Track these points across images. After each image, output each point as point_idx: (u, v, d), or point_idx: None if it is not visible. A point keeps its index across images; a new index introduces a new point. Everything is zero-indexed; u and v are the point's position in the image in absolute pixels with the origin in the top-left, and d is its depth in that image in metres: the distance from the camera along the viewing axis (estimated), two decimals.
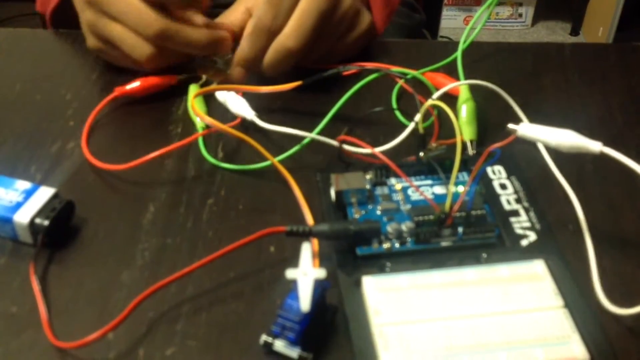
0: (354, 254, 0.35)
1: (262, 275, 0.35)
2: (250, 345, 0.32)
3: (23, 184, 0.37)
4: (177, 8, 0.44)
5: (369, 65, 0.49)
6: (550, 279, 0.33)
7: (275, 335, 0.31)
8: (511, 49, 0.54)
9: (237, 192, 0.40)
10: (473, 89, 0.45)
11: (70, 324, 0.33)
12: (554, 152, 0.36)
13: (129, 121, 0.46)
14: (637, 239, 0.38)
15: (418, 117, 0.40)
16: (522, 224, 0.37)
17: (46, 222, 0.35)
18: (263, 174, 0.41)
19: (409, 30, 0.73)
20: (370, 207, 0.38)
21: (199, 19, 0.45)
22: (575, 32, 1.84)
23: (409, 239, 0.36)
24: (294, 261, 0.32)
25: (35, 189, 0.37)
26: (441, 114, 0.41)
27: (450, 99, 0.44)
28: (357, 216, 0.37)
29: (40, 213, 0.36)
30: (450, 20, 1.84)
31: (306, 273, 0.31)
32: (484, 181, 0.39)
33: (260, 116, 0.43)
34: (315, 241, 0.34)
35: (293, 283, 0.31)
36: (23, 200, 0.36)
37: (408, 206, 0.37)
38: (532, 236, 0.36)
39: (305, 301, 0.30)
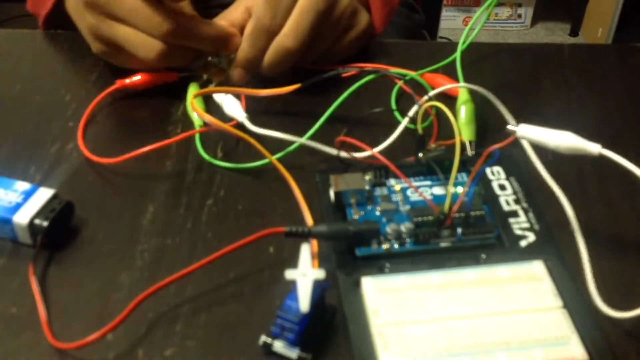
0: (353, 255, 0.35)
1: (262, 275, 0.35)
2: (250, 345, 0.32)
3: (22, 185, 0.37)
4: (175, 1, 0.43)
5: (368, 66, 0.49)
6: (549, 280, 0.33)
7: (275, 336, 0.31)
8: (510, 50, 0.54)
9: (237, 192, 0.40)
10: (472, 90, 0.45)
11: (69, 325, 0.33)
12: (552, 153, 0.36)
13: (129, 122, 0.46)
14: (636, 240, 0.38)
15: (412, 112, 0.40)
16: (521, 224, 0.37)
17: (45, 223, 0.35)
18: (262, 175, 0.41)
19: (408, 30, 0.73)
20: (369, 207, 0.38)
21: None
22: (574, 32, 1.84)
23: (408, 240, 0.36)
24: (293, 262, 0.32)
25: (35, 189, 0.37)
26: (440, 115, 0.41)
27: (450, 99, 0.44)
28: (356, 217, 0.37)
29: (39, 214, 0.36)
30: (450, 21, 1.84)
31: (305, 274, 0.31)
32: (483, 182, 0.39)
33: (259, 118, 0.43)
34: (314, 242, 0.34)
35: (292, 284, 0.31)
36: (22, 201, 0.36)
37: (407, 207, 0.37)
38: (531, 237, 0.36)
39: (304, 302, 0.30)
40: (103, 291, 0.34)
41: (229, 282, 0.35)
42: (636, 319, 0.32)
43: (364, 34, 0.50)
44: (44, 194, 0.37)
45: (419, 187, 0.39)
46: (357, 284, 0.33)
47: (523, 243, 0.36)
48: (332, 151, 0.40)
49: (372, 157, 0.39)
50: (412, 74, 0.47)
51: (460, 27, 1.83)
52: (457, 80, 0.46)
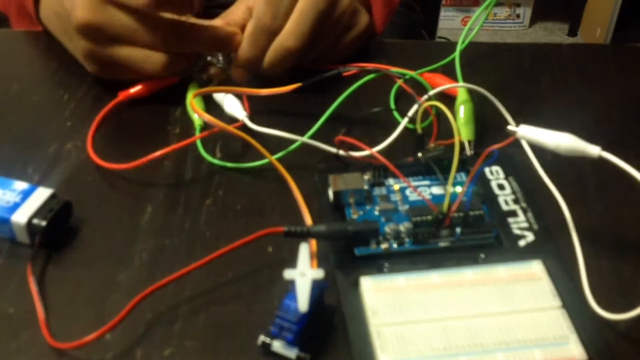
0: (352, 255, 0.35)
1: (260, 275, 0.35)
2: (248, 345, 0.32)
3: (20, 185, 0.37)
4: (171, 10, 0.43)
5: (369, 66, 0.48)
6: (548, 280, 0.33)
7: (273, 336, 0.31)
8: (509, 50, 0.54)
9: (235, 192, 0.40)
10: (471, 89, 0.45)
11: (67, 325, 0.33)
12: (551, 153, 0.36)
13: (128, 122, 0.46)
14: (636, 241, 0.38)
15: (411, 112, 0.40)
16: (520, 224, 0.37)
17: (44, 223, 0.35)
18: (261, 175, 0.41)
19: (406, 30, 0.73)
20: (368, 207, 0.38)
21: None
22: (572, 32, 1.84)
23: (407, 240, 0.36)
24: (292, 262, 0.31)
25: (33, 189, 0.37)
26: (439, 114, 0.41)
27: (449, 99, 0.44)
28: (355, 217, 0.37)
29: (37, 214, 0.36)
30: (448, 21, 1.84)
31: (304, 273, 0.31)
32: (482, 182, 0.39)
33: (259, 117, 0.43)
34: (313, 242, 0.34)
35: (291, 283, 0.31)
36: (20, 200, 0.36)
37: (406, 206, 0.37)
38: (530, 237, 0.36)
39: (303, 301, 0.30)
40: (101, 291, 0.34)
41: (228, 282, 0.35)
42: (636, 318, 0.32)
43: (364, 34, 0.50)
44: (42, 194, 0.37)
45: (417, 186, 0.39)
46: (356, 284, 0.33)
47: (522, 243, 0.36)
48: (333, 150, 0.40)
49: (371, 156, 0.39)
50: (411, 73, 0.47)
51: (458, 27, 1.83)
52: (456, 79, 0.46)
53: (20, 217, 0.35)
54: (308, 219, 0.36)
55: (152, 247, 0.37)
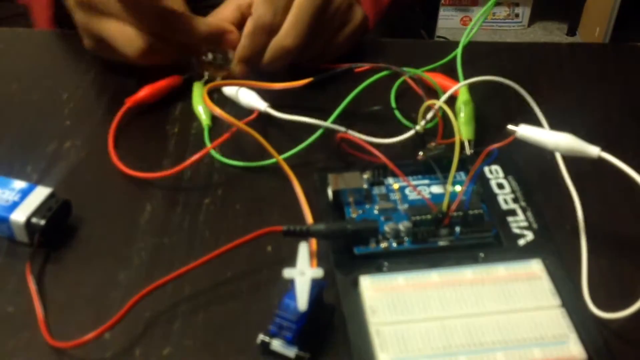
0: (351, 254, 0.35)
1: (259, 274, 0.35)
2: (248, 344, 0.32)
3: (19, 184, 0.37)
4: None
5: (381, 65, 0.49)
6: (548, 279, 0.33)
7: (273, 335, 0.31)
8: (508, 49, 0.54)
9: (234, 191, 0.40)
10: (471, 88, 0.45)
11: (66, 324, 0.33)
12: (550, 153, 0.36)
13: (127, 122, 0.46)
14: (635, 240, 0.38)
15: (430, 115, 0.40)
16: (519, 223, 0.37)
17: (42, 222, 0.35)
18: (260, 173, 0.41)
19: (405, 30, 0.73)
20: (367, 206, 0.38)
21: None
22: (572, 32, 1.84)
23: (406, 239, 0.36)
24: (291, 261, 0.31)
25: (32, 188, 0.37)
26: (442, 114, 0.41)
27: (449, 99, 0.44)
28: (354, 216, 0.37)
29: (36, 212, 0.36)
30: (447, 21, 1.84)
31: (303, 272, 0.31)
32: (482, 181, 0.39)
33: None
34: (313, 241, 0.34)
35: (290, 282, 0.31)
36: (19, 199, 0.36)
37: (405, 206, 0.37)
38: (530, 236, 0.36)
39: (302, 300, 0.30)
40: (100, 290, 0.34)
41: (227, 281, 0.35)
42: (635, 317, 0.32)
43: (359, 29, 0.50)
44: (41, 193, 0.37)
45: (417, 185, 0.39)
46: (355, 283, 0.33)
47: (521, 242, 0.36)
48: (357, 134, 0.40)
49: (371, 154, 0.38)
50: (419, 71, 0.47)
51: (458, 27, 1.83)
52: (457, 78, 0.46)
53: (19, 216, 0.35)
54: (309, 218, 0.36)
55: (151, 246, 0.36)
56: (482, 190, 0.39)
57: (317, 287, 0.31)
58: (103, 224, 0.38)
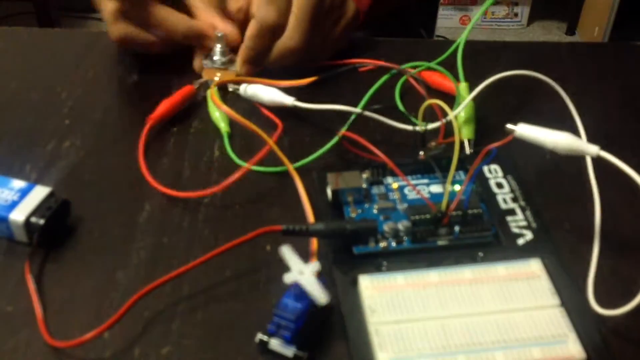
0: (350, 253, 0.35)
1: (258, 274, 0.35)
2: (246, 344, 0.32)
3: (18, 183, 0.37)
4: None
5: (384, 64, 0.49)
6: (547, 278, 0.33)
7: (271, 334, 0.31)
8: (507, 48, 0.54)
9: (234, 190, 0.40)
10: (471, 88, 0.44)
11: (66, 323, 0.33)
12: (549, 152, 0.36)
13: (128, 122, 0.46)
14: (634, 239, 0.38)
15: (448, 117, 0.40)
16: (518, 222, 0.37)
17: (42, 221, 0.35)
18: (260, 173, 0.41)
19: (404, 28, 0.73)
20: (367, 206, 0.38)
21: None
22: (571, 31, 1.84)
23: (405, 238, 0.36)
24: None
25: (31, 187, 0.37)
26: (441, 113, 0.41)
27: (449, 98, 0.44)
28: (353, 215, 0.37)
29: (35, 212, 0.36)
30: (447, 20, 1.84)
31: (302, 272, 0.31)
32: (481, 180, 0.39)
33: (274, 108, 0.43)
34: (313, 240, 0.34)
35: (290, 282, 0.31)
36: (18, 199, 0.36)
37: (405, 205, 0.37)
38: (529, 235, 0.36)
39: (319, 295, 0.30)
40: (99, 289, 0.34)
41: (226, 281, 0.35)
42: (634, 316, 0.32)
43: (353, 21, 0.50)
44: (40, 192, 0.37)
45: (416, 185, 0.39)
46: (354, 282, 0.33)
47: (520, 241, 0.36)
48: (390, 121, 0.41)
49: (371, 153, 0.38)
50: (421, 68, 0.47)
51: (457, 26, 1.83)
52: (457, 77, 0.46)
53: (18, 215, 0.35)
54: (311, 217, 0.36)
55: (150, 246, 0.36)
56: (481, 190, 0.38)
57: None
58: (102, 224, 0.38)
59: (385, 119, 0.41)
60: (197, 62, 0.48)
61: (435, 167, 0.39)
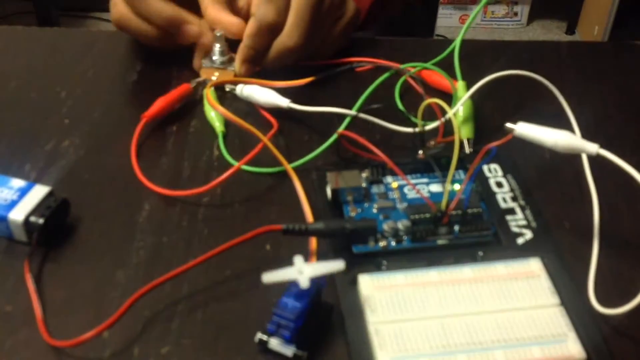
0: (350, 252, 0.35)
1: (258, 273, 0.35)
2: (246, 343, 0.32)
3: (18, 182, 0.37)
4: None
5: (381, 62, 0.48)
6: (547, 277, 0.33)
7: (271, 334, 0.31)
8: (507, 47, 0.54)
9: (233, 190, 0.40)
10: (470, 87, 0.44)
11: (65, 323, 0.33)
12: (549, 151, 0.36)
13: (126, 120, 0.46)
14: (634, 238, 0.38)
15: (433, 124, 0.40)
16: (518, 222, 0.37)
17: (41, 221, 0.35)
18: (262, 173, 0.41)
19: (404, 27, 0.73)
20: (366, 205, 0.37)
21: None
22: (570, 30, 1.84)
23: (405, 237, 0.36)
24: (289, 259, 0.31)
25: (30, 187, 0.37)
26: (440, 112, 0.41)
27: (449, 97, 0.44)
28: (353, 214, 0.37)
29: (35, 211, 0.36)
30: (446, 19, 1.84)
31: (301, 271, 0.31)
32: (481, 179, 0.39)
33: (270, 109, 0.43)
34: (313, 239, 0.34)
35: (289, 281, 0.31)
36: (18, 198, 0.36)
37: (404, 204, 0.37)
38: (528, 234, 0.36)
39: (333, 265, 0.31)
40: (99, 289, 0.34)
41: (226, 280, 0.35)
42: (632, 315, 0.32)
43: (352, 21, 0.50)
44: (39, 192, 0.36)
45: (416, 184, 0.39)
46: (354, 282, 0.33)
47: (520, 240, 0.36)
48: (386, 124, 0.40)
49: (371, 152, 0.38)
50: (419, 68, 0.47)
51: (456, 25, 1.83)
52: (454, 76, 0.46)
53: (18, 214, 0.35)
54: (310, 217, 0.36)
55: (149, 245, 0.36)
56: (481, 189, 0.38)
57: (316, 286, 0.31)
58: (101, 223, 0.38)
59: (381, 121, 0.41)
60: (197, 61, 0.48)
61: (435, 166, 0.39)
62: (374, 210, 0.37)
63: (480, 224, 0.36)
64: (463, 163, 0.40)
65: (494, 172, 0.40)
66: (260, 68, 0.47)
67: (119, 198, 0.40)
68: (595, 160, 0.35)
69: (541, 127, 0.36)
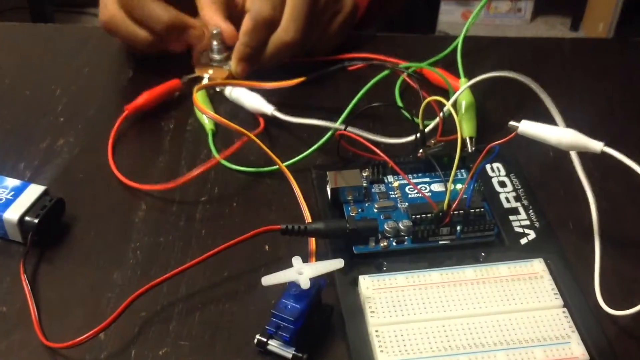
0: (350, 253, 0.34)
1: (257, 274, 0.35)
2: (244, 345, 0.31)
3: (12, 182, 0.37)
4: None
5: (374, 56, 0.48)
6: (550, 278, 0.33)
7: (270, 335, 0.31)
8: (511, 44, 0.53)
9: (231, 190, 0.39)
10: (472, 85, 0.44)
11: (61, 324, 0.32)
12: (552, 149, 0.35)
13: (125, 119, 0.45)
14: (638, 238, 0.37)
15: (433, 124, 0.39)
16: (521, 222, 0.36)
17: (36, 220, 0.35)
18: (257, 172, 0.40)
19: (405, 23, 0.73)
20: (367, 204, 0.37)
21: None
22: (575, 27, 1.83)
23: (406, 238, 0.35)
24: (288, 260, 0.31)
25: (25, 186, 0.36)
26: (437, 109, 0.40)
27: (448, 95, 0.44)
28: (353, 214, 0.36)
29: (29, 211, 0.35)
30: (448, 15, 1.83)
31: (300, 272, 0.30)
32: (483, 179, 0.39)
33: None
34: (312, 240, 0.34)
35: (288, 282, 0.30)
36: (12, 197, 0.36)
37: (405, 204, 0.37)
38: (532, 235, 0.36)
39: (333, 264, 0.31)
40: (95, 290, 0.34)
41: (224, 281, 0.34)
42: (637, 317, 0.32)
43: (351, 16, 0.49)
44: (34, 191, 0.36)
45: (417, 183, 0.38)
46: (354, 283, 0.33)
47: (523, 241, 0.35)
48: (371, 137, 0.40)
49: (371, 152, 0.38)
50: (416, 66, 0.46)
51: (458, 21, 1.82)
52: (457, 74, 0.45)
53: (12, 214, 0.35)
54: (308, 217, 0.36)
55: (146, 245, 0.36)
56: (484, 189, 0.38)
57: (316, 287, 0.31)
58: (97, 223, 0.37)
59: (367, 133, 0.40)
60: (195, 59, 0.47)
61: (436, 165, 0.38)
62: (375, 210, 0.37)
63: (483, 224, 0.35)
64: (465, 162, 0.39)
65: (496, 172, 0.39)
66: (257, 67, 0.46)
67: (115, 197, 0.39)
68: (598, 157, 0.34)
69: (545, 125, 0.36)
